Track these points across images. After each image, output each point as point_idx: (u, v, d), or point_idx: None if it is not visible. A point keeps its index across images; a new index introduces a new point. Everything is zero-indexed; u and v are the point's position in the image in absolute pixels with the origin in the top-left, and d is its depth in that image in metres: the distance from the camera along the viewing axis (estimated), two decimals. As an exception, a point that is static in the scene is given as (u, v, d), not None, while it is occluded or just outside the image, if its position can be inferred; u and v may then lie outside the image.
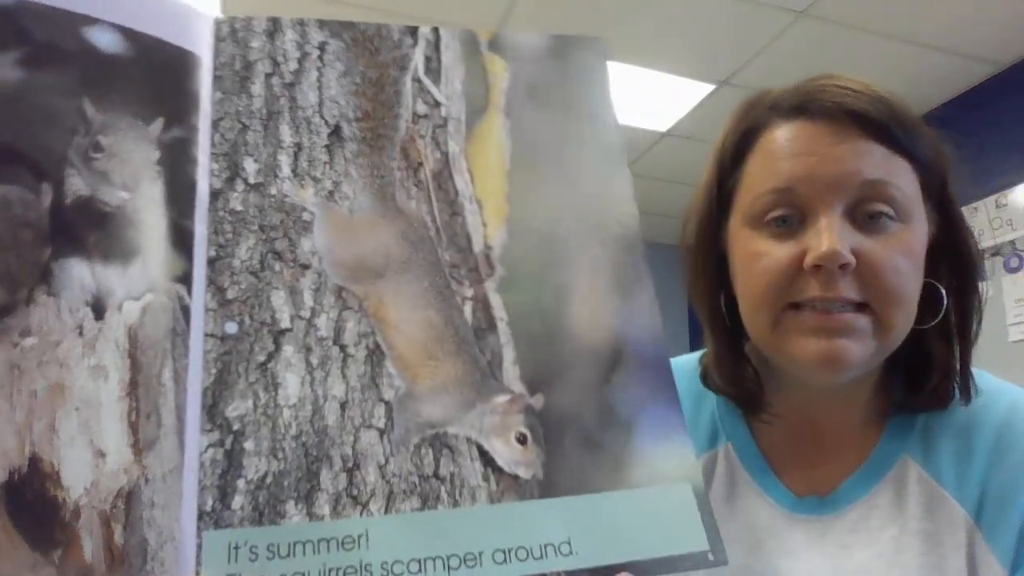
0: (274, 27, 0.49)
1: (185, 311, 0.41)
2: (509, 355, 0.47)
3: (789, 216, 0.54)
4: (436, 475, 0.43)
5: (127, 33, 0.42)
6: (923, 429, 0.59)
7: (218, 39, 0.47)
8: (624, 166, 0.56)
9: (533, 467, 0.44)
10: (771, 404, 0.61)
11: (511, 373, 0.47)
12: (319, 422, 0.41)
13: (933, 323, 0.57)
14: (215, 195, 0.44)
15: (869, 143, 0.53)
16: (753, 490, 0.61)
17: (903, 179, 0.54)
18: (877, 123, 0.53)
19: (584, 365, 0.49)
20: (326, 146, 0.48)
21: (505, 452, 0.45)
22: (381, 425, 0.42)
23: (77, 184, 0.38)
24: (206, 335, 0.41)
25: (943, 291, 0.57)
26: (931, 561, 0.54)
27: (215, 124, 0.45)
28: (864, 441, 0.60)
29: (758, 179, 0.56)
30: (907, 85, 2.92)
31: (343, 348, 0.43)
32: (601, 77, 0.57)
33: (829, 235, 0.51)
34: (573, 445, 0.47)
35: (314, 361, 0.42)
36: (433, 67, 0.52)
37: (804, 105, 0.56)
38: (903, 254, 0.53)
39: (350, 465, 0.41)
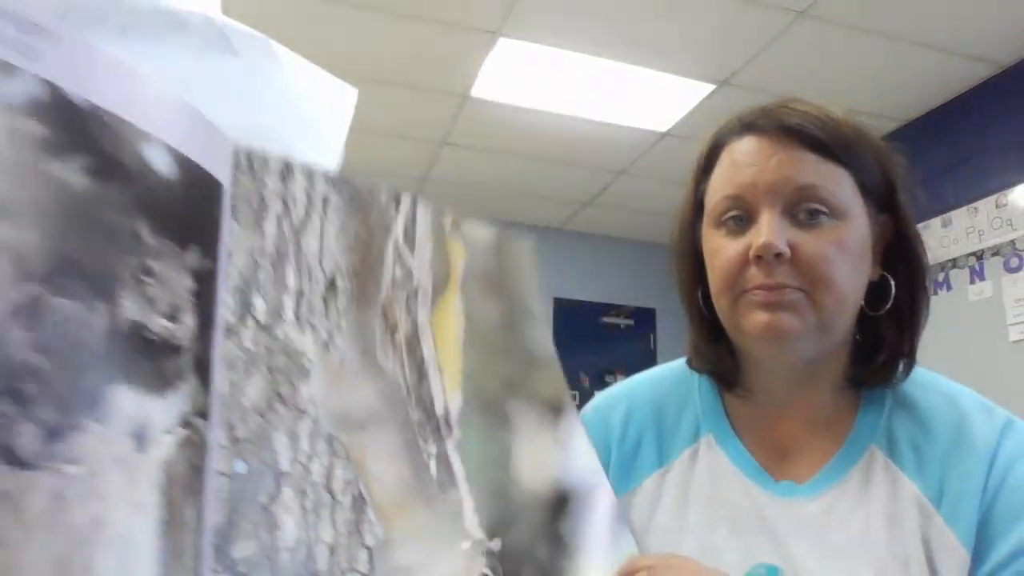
0: (287, 169, 0.50)
1: (204, 447, 0.40)
2: (469, 506, 0.53)
3: (741, 217, 0.64)
4: None
5: (174, 153, 0.42)
6: (887, 426, 0.66)
7: (237, 169, 0.47)
8: (551, 347, 0.65)
9: None
10: (745, 383, 0.70)
11: (472, 521, 0.52)
12: (312, 566, 0.42)
13: (884, 310, 0.66)
14: (229, 331, 0.44)
15: (803, 152, 0.62)
16: (735, 475, 0.68)
17: (835, 183, 0.62)
18: (810, 136, 0.62)
19: (534, 507, 0.56)
20: (323, 296, 0.49)
21: None
22: (364, 570, 0.45)
23: (127, 308, 0.37)
24: (218, 472, 0.41)
25: (892, 283, 0.65)
26: (895, 539, 0.60)
27: (229, 256, 0.45)
28: (835, 433, 0.67)
29: (718, 187, 0.66)
30: (907, 85, 2.92)
31: (332, 494, 0.45)
32: (533, 276, 0.66)
33: (767, 230, 0.61)
34: None
35: (308, 505, 0.44)
36: (409, 236, 0.56)
37: (755, 122, 0.65)
38: (835, 245, 0.61)
39: None
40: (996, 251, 2.78)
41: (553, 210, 4.23)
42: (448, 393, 0.55)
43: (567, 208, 4.22)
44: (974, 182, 2.89)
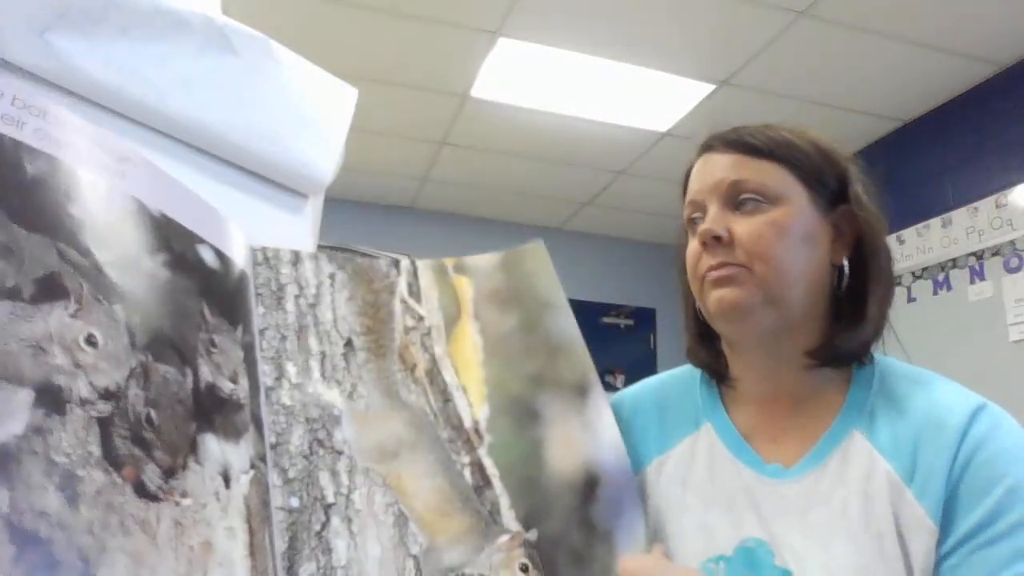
0: (296, 258, 0.61)
1: (267, 485, 0.49)
2: (505, 502, 0.59)
3: (699, 217, 0.75)
4: None
5: (216, 251, 0.52)
6: (870, 412, 0.72)
7: (255, 263, 0.58)
8: (574, 329, 0.70)
9: None
10: (733, 374, 0.78)
11: (508, 516, 0.59)
12: None
13: (843, 289, 0.74)
14: (268, 391, 0.53)
15: (739, 156, 0.74)
16: (729, 459, 0.75)
17: (768, 176, 0.72)
18: (744, 143, 0.74)
19: (565, 494, 0.61)
20: (343, 354, 0.59)
21: None
22: (412, 575, 0.53)
23: (204, 372, 0.46)
24: (276, 508, 0.49)
25: (846, 265, 0.74)
26: (869, 516, 0.66)
27: (261, 333, 0.55)
28: (822, 416, 0.73)
29: (687, 196, 0.78)
30: (907, 85, 2.92)
31: (375, 517, 0.53)
32: (547, 270, 0.72)
33: (707, 220, 0.73)
34: (565, 563, 0.59)
35: (354, 529, 0.52)
36: (414, 290, 0.66)
37: (709, 144, 0.77)
38: (770, 225, 0.71)
39: None
40: (996, 251, 2.78)
41: (553, 210, 4.23)
42: (474, 407, 0.63)
43: (567, 208, 4.22)
44: (974, 182, 2.89)
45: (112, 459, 0.36)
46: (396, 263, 0.66)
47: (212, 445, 0.44)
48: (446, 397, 0.61)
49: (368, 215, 4.06)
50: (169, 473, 0.40)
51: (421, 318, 0.64)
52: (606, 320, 4.43)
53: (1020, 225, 2.70)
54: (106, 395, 0.37)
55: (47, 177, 0.38)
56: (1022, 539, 0.61)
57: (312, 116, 0.77)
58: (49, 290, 0.36)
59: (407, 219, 4.21)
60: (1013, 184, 2.74)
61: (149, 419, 0.39)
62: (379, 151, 3.56)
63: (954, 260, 2.92)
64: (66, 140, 0.40)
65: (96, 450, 0.35)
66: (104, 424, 0.36)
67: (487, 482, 0.59)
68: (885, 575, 0.64)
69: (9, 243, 0.35)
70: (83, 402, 0.35)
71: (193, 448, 0.42)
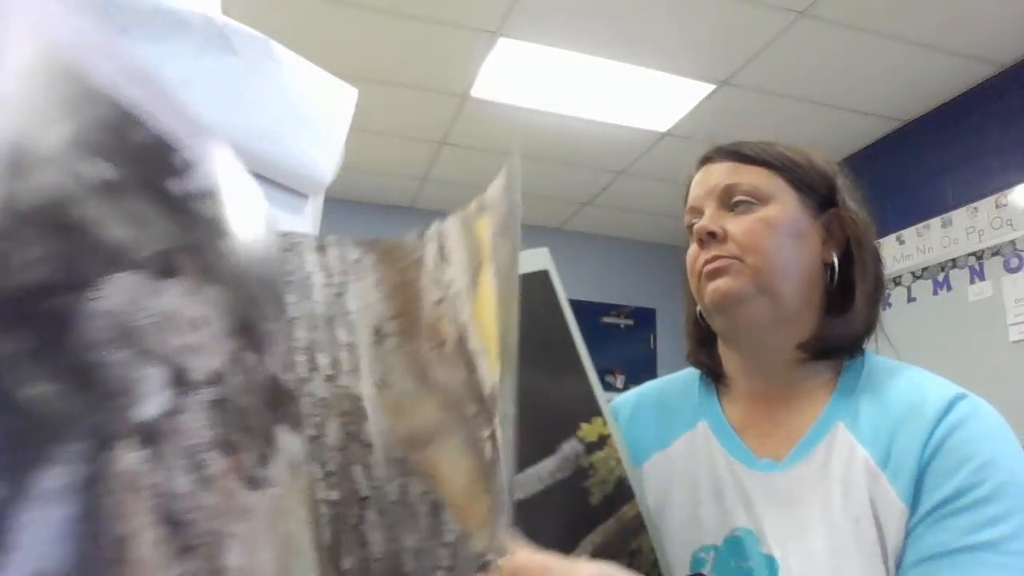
0: (321, 244, 0.59)
1: (312, 479, 0.48)
2: (507, 474, 0.56)
3: (698, 221, 0.79)
4: None
5: (263, 236, 0.50)
6: (855, 406, 0.75)
7: (283, 250, 0.55)
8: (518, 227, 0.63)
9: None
10: (729, 372, 0.83)
11: (509, 488, 0.56)
12: (400, 570, 0.51)
13: (834, 285, 0.78)
14: (304, 383, 0.52)
15: (731, 163, 0.80)
16: (723, 455, 0.79)
17: (758, 178, 0.78)
18: (736, 152, 0.80)
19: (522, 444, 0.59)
20: (371, 343, 0.57)
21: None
22: (446, 564, 0.52)
23: (271, 362, 0.44)
24: (318, 501, 0.49)
25: (835, 262, 0.78)
26: (848, 503, 0.69)
27: (293, 323, 0.54)
28: (811, 412, 0.77)
29: (687, 204, 0.83)
30: (907, 85, 2.92)
31: (409, 507, 0.53)
32: (518, 180, 0.66)
33: (703, 219, 0.78)
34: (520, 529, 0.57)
35: (388, 522, 0.52)
36: (444, 254, 0.61)
37: (707, 156, 0.83)
38: (761, 222, 0.76)
39: None
40: (996, 251, 2.78)
41: (553, 210, 4.23)
42: (492, 366, 0.58)
43: (567, 208, 4.22)
44: (974, 182, 2.89)
45: (222, 445, 0.35)
46: (421, 234, 0.63)
47: (284, 436, 0.43)
48: (471, 368, 0.58)
49: (368, 215, 4.07)
50: (263, 462, 0.39)
51: (448, 285, 0.60)
52: (606, 320, 4.43)
53: (1020, 225, 2.70)
54: (214, 379, 0.36)
55: (159, 145, 0.37)
56: (988, 511, 0.63)
57: (312, 116, 0.77)
58: (168, 266, 0.35)
59: (407, 219, 4.21)
60: (1013, 184, 2.74)
61: (249, 408, 0.39)
62: (379, 151, 3.56)
63: (954, 260, 2.92)
64: (166, 109, 0.38)
65: (211, 434, 0.34)
66: (215, 408, 0.35)
67: (499, 455, 0.57)
68: (861, 558, 0.66)
69: (141, 213, 0.33)
70: (200, 384, 0.34)
71: (272, 439, 0.41)
